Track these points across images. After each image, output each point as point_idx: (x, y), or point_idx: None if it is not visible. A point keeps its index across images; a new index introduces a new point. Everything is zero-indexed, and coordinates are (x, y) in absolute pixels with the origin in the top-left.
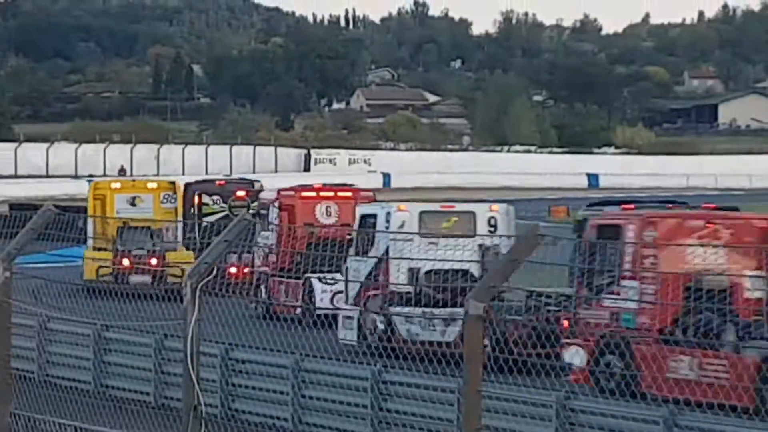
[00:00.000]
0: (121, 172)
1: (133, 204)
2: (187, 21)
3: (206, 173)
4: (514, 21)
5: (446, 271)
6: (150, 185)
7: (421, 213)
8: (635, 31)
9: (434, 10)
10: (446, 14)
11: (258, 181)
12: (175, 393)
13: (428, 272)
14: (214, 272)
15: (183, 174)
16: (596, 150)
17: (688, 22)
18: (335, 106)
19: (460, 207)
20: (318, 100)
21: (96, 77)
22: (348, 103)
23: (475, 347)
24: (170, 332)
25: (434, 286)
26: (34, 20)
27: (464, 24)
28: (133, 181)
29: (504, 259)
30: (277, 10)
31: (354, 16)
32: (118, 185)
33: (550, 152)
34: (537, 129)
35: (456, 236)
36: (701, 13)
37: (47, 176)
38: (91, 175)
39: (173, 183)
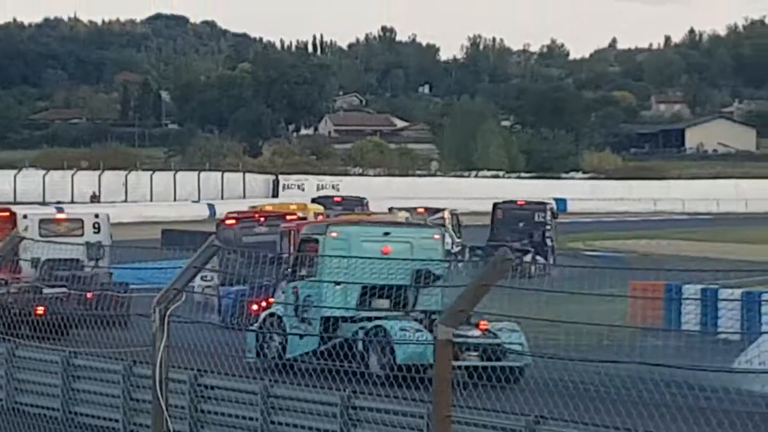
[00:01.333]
0: (93, 198)
1: None
2: (155, 47)
3: (174, 199)
4: (481, 46)
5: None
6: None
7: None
8: (602, 55)
9: (402, 36)
10: (414, 39)
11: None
12: (144, 420)
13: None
14: (183, 298)
15: (151, 200)
16: (564, 175)
17: (654, 47)
18: (303, 131)
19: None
20: (286, 125)
21: (64, 104)
22: (316, 129)
23: (444, 372)
24: (139, 359)
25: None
26: (1, 47)
27: (432, 49)
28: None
29: (473, 284)
30: (244, 36)
31: (322, 42)
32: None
33: (518, 177)
34: (505, 154)
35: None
36: (668, 38)
37: (15, 203)
38: (59, 202)
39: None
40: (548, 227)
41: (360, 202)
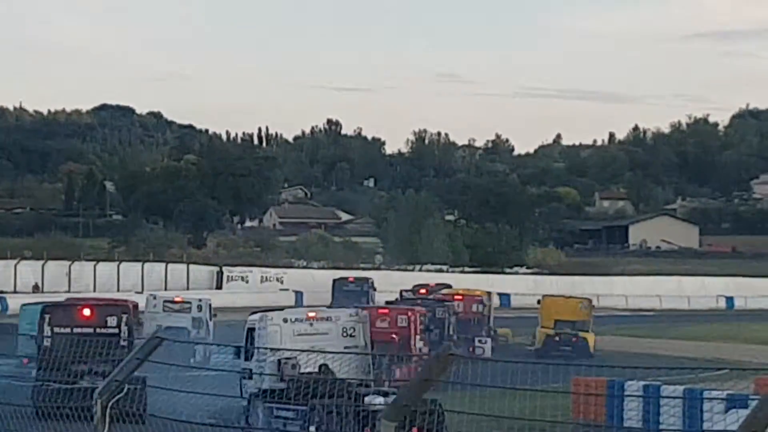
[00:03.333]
0: (35, 288)
1: None
2: (100, 138)
3: (118, 290)
4: (426, 141)
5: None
6: None
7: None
8: (547, 151)
9: (347, 129)
10: (359, 133)
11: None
12: None
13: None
14: (125, 390)
15: (94, 291)
16: (508, 270)
17: (599, 143)
18: (248, 223)
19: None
20: (231, 217)
21: (8, 193)
22: (261, 221)
23: None
24: None
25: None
26: None
27: (377, 143)
28: None
29: (416, 378)
30: (190, 127)
31: (267, 135)
32: None
33: (462, 271)
34: (449, 248)
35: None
36: (612, 135)
37: None
38: (1, 292)
39: None
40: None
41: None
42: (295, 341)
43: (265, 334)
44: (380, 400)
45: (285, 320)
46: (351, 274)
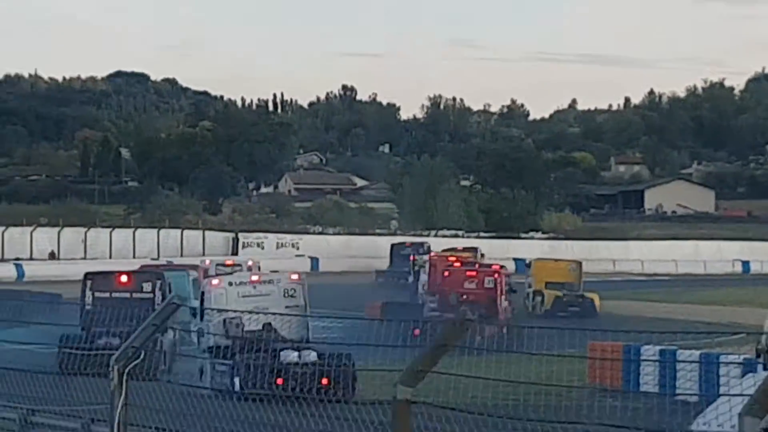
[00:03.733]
0: (51, 255)
1: None
2: (115, 104)
3: (133, 257)
4: (441, 106)
5: None
6: None
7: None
8: (562, 116)
9: (362, 95)
10: (374, 99)
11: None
12: None
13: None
14: (142, 356)
15: (110, 258)
16: (523, 235)
17: (614, 108)
18: (263, 190)
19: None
20: (246, 184)
21: (24, 161)
22: (276, 187)
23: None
24: (97, 417)
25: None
26: None
27: (392, 108)
28: None
29: (432, 344)
30: (205, 93)
31: (282, 101)
32: None
33: (477, 236)
34: (464, 213)
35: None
36: (628, 100)
37: None
38: (17, 258)
39: None
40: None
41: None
42: (239, 303)
43: (212, 297)
44: (294, 355)
45: (230, 284)
46: (364, 239)
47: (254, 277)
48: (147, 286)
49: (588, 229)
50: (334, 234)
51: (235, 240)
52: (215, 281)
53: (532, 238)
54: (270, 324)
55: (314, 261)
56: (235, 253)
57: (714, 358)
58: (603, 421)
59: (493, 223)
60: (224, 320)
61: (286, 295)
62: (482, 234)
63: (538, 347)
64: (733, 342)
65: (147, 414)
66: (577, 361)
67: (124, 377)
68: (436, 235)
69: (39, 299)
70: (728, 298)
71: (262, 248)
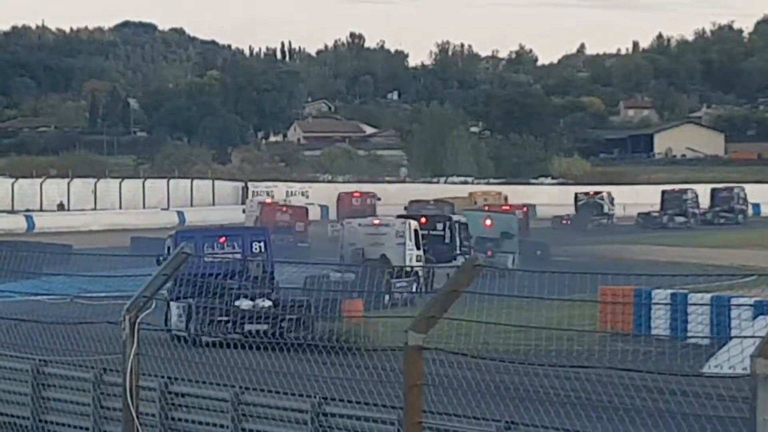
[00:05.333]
0: (60, 206)
1: None
2: (123, 55)
3: (144, 207)
4: (450, 52)
5: None
6: None
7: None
8: (570, 61)
9: (370, 42)
10: (382, 46)
11: None
12: (114, 428)
13: None
14: (153, 305)
15: (120, 208)
16: (533, 180)
17: (623, 52)
18: (272, 138)
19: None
20: (255, 133)
21: (32, 112)
22: (285, 136)
23: (415, 378)
24: (109, 366)
25: None
26: None
27: (400, 56)
28: None
29: (443, 290)
30: (213, 43)
31: (290, 49)
32: None
33: (488, 183)
34: (474, 160)
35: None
36: (636, 44)
37: None
38: (28, 210)
39: None
40: None
41: None
42: (365, 238)
43: (346, 232)
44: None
45: (359, 224)
46: (374, 187)
47: (375, 221)
48: (439, 226)
49: (597, 173)
50: (344, 182)
51: (245, 189)
52: (350, 222)
53: (541, 183)
54: (385, 255)
55: (324, 209)
56: (244, 202)
57: (725, 300)
58: (615, 364)
59: (503, 169)
60: (353, 250)
61: (397, 235)
62: (492, 180)
63: (549, 293)
64: (744, 285)
65: (158, 364)
66: (588, 306)
67: (136, 327)
68: (446, 182)
69: (51, 250)
70: (739, 241)
71: (272, 197)
